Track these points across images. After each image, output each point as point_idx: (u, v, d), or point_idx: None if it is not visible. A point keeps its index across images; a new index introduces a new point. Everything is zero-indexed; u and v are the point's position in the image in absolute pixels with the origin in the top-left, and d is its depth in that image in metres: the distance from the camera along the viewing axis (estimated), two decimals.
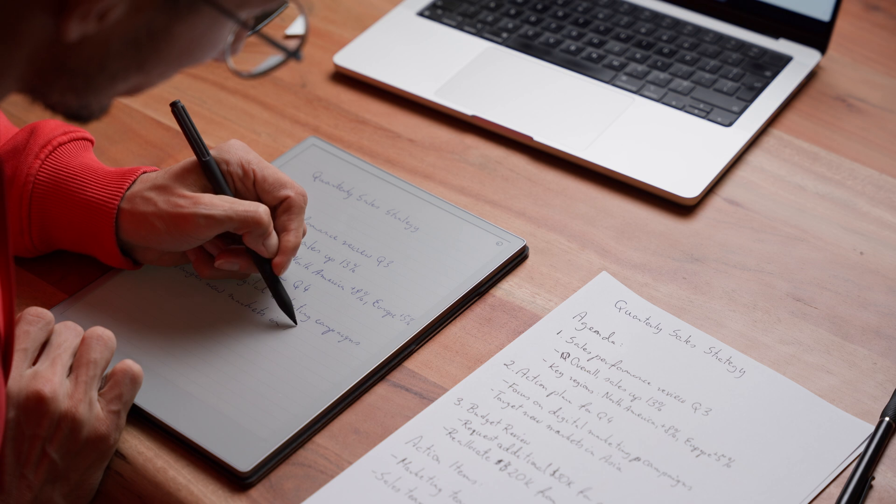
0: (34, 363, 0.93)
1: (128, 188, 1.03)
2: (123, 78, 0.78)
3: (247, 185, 1.04)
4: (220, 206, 1.01)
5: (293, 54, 0.83)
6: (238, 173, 1.04)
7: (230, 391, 0.99)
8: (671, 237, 1.13)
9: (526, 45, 1.31)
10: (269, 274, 1.03)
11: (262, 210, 1.01)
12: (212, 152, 1.04)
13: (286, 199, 1.04)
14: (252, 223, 1.01)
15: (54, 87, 0.77)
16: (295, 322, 1.04)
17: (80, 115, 0.80)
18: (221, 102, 1.27)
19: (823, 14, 1.28)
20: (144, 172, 1.05)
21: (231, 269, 1.04)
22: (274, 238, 1.03)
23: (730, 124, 1.22)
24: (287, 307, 1.04)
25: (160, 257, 1.06)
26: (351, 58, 1.30)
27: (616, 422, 0.98)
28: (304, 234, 1.06)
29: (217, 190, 1.03)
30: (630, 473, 0.95)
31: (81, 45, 0.74)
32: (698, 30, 1.31)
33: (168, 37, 0.76)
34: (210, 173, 1.03)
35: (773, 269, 1.10)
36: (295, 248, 1.04)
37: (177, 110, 1.04)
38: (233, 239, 1.05)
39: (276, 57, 0.85)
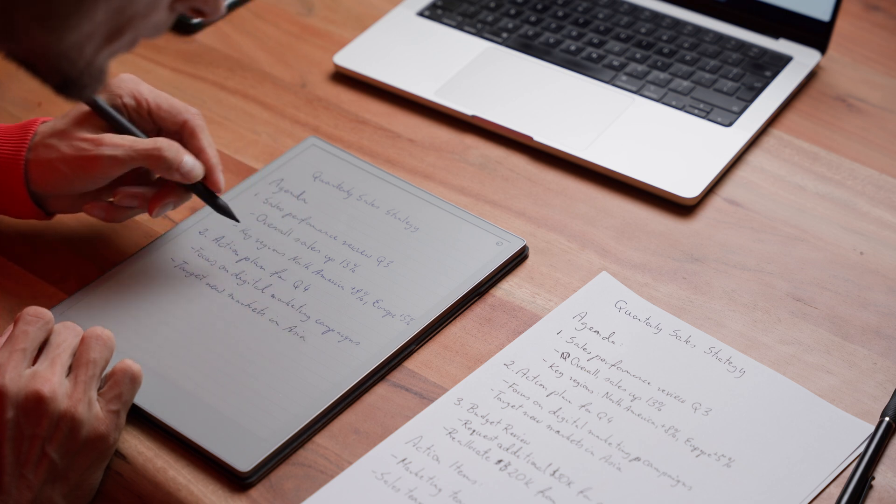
0: (33, 363, 0.93)
1: (31, 139, 1.05)
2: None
3: (142, 116, 1.07)
4: (122, 145, 1.03)
5: None
6: (132, 104, 1.06)
7: (230, 391, 0.99)
8: (671, 237, 1.13)
9: (526, 45, 1.31)
10: (203, 191, 1.07)
11: (162, 144, 1.03)
12: (102, 89, 1.06)
13: (185, 122, 1.06)
14: (155, 159, 1.03)
15: (16, 20, 0.75)
16: (237, 220, 1.08)
17: (69, 80, 0.79)
18: (221, 102, 1.27)
19: (823, 14, 1.28)
20: (43, 122, 1.07)
21: (131, 205, 1.07)
22: (189, 161, 1.04)
23: (730, 124, 1.22)
24: (226, 211, 1.08)
25: (72, 204, 1.08)
26: (351, 58, 1.30)
27: (616, 422, 0.98)
28: (216, 152, 1.08)
29: (116, 128, 1.05)
30: (630, 473, 0.95)
31: None
32: (698, 30, 1.31)
33: None
34: (102, 113, 1.05)
35: (773, 269, 1.10)
36: (217, 163, 1.06)
37: None
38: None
39: None
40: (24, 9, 0.76)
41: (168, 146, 1.04)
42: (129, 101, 1.06)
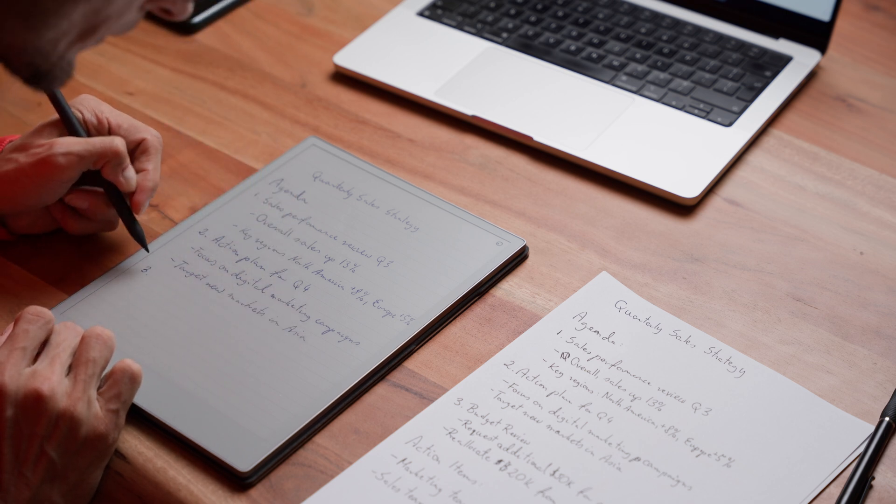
0: (34, 362, 0.93)
1: None
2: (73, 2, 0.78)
3: (102, 133, 1.09)
4: (77, 142, 1.05)
5: None
6: (93, 122, 1.09)
7: (230, 391, 0.99)
8: (671, 237, 1.13)
9: (526, 45, 1.31)
10: (126, 210, 1.08)
11: (117, 141, 1.06)
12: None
13: (142, 141, 1.09)
14: (110, 153, 1.05)
15: (3, 24, 0.77)
16: (147, 250, 1.09)
17: (40, 73, 0.80)
18: (221, 102, 1.27)
19: (823, 14, 1.28)
20: (10, 142, 1.08)
21: (82, 207, 1.08)
22: (132, 171, 1.07)
23: (730, 124, 1.22)
24: (140, 238, 1.08)
25: (33, 223, 1.09)
26: (351, 58, 1.30)
27: (616, 422, 0.98)
28: (159, 178, 1.10)
29: (73, 134, 1.07)
30: (630, 473, 0.95)
31: None
32: (698, 30, 1.31)
33: None
34: (64, 116, 1.06)
35: (773, 269, 1.10)
36: (152, 188, 1.08)
37: None
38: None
39: None
40: (7, 6, 0.77)
41: (122, 143, 1.06)
42: (90, 117, 1.08)
